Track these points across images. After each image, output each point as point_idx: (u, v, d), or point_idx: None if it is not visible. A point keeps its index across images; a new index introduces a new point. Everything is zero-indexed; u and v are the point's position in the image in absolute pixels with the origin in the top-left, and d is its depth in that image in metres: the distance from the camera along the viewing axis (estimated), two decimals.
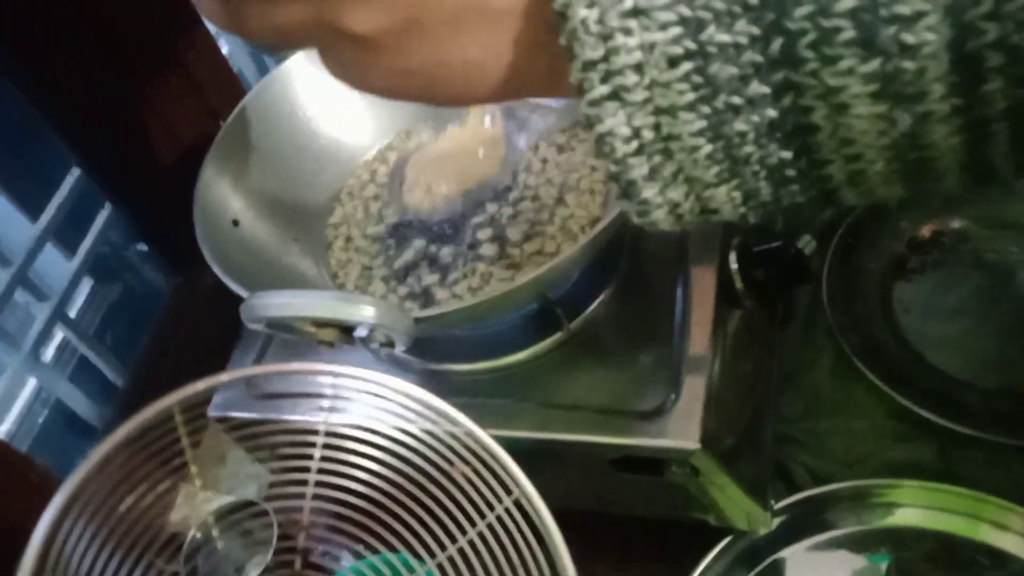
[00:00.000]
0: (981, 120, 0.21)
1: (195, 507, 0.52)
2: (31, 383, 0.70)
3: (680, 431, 0.45)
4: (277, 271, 0.53)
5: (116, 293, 0.78)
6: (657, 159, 0.23)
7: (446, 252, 0.52)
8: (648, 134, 0.23)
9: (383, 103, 0.59)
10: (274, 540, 0.55)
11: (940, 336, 0.58)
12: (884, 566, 0.51)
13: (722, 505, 0.49)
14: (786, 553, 0.53)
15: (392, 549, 0.43)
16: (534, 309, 0.51)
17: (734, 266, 0.52)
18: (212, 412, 0.55)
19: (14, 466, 0.58)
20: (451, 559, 0.41)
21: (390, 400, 0.43)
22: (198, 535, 0.53)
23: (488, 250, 0.50)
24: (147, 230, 0.76)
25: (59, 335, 0.73)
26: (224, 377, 0.48)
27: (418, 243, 0.53)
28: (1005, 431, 0.52)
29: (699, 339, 0.49)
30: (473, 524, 0.41)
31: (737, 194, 0.24)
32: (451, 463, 0.41)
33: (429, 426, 0.42)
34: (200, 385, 0.44)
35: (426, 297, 0.51)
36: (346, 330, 0.43)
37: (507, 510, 0.40)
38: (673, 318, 0.50)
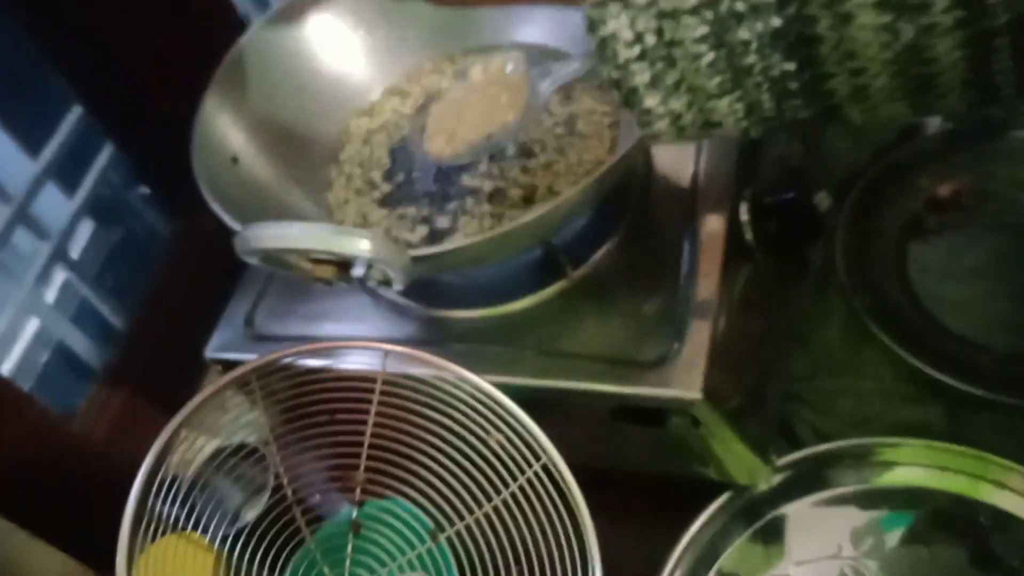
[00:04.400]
0: (984, 33, 0.20)
1: (194, 449, 0.52)
2: (33, 323, 0.69)
3: (682, 381, 0.45)
4: (275, 210, 0.52)
5: (117, 236, 0.77)
6: (659, 66, 0.23)
7: (448, 196, 0.51)
8: (650, 39, 0.22)
9: (386, 44, 0.57)
10: (270, 484, 0.55)
11: (955, 298, 0.57)
12: (901, 529, 0.50)
13: (722, 458, 0.49)
14: (787, 510, 0.52)
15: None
16: (537, 256, 0.50)
17: (745, 217, 0.51)
18: (210, 354, 0.55)
19: (16, 404, 0.58)
20: (478, 521, 0.43)
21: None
22: (195, 476, 0.53)
23: (490, 193, 0.49)
24: (148, 172, 0.76)
25: (61, 276, 0.72)
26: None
27: (420, 186, 0.52)
28: (1017, 394, 0.50)
29: (705, 290, 0.48)
30: (506, 486, 0.43)
31: (739, 106, 0.24)
32: (487, 432, 0.43)
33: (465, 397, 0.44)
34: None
35: (427, 239, 0.50)
36: (343, 267, 0.42)
37: (536, 474, 0.43)
38: (679, 269, 0.49)
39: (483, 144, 0.46)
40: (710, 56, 0.22)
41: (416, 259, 0.40)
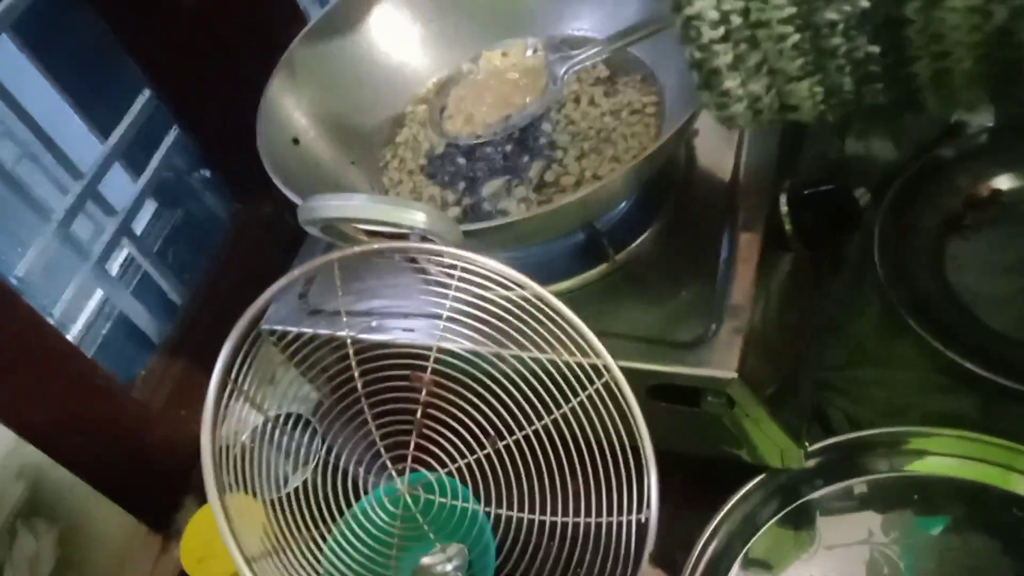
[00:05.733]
0: None
1: (246, 417, 0.54)
2: (97, 294, 0.73)
3: (718, 361, 0.46)
4: (332, 188, 0.54)
5: (179, 216, 0.81)
6: (743, 47, 0.23)
7: (497, 179, 0.53)
8: (736, 19, 0.23)
9: (441, 35, 0.60)
10: (320, 454, 0.58)
11: (992, 293, 0.57)
12: (940, 527, 0.51)
13: (756, 440, 0.50)
14: (819, 495, 0.53)
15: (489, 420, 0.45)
16: (581, 239, 0.52)
17: (784, 208, 0.52)
18: (266, 326, 0.57)
19: (82, 369, 0.61)
20: (546, 427, 0.44)
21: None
22: (247, 443, 0.55)
23: (537, 176, 0.51)
24: (211, 156, 0.79)
25: (124, 252, 0.76)
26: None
27: (470, 170, 0.54)
28: None
29: (743, 276, 0.49)
30: (567, 401, 0.44)
31: (819, 89, 0.24)
32: (552, 345, 0.44)
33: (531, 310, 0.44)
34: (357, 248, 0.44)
35: (476, 218, 0.52)
36: (397, 240, 0.44)
37: (597, 391, 0.44)
38: (718, 256, 0.50)
39: (501, 125, 0.47)
40: (795, 37, 0.22)
41: (467, 233, 0.42)
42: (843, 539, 0.52)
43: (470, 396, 0.44)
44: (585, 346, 0.43)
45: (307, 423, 0.58)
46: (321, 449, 0.58)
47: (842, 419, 0.56)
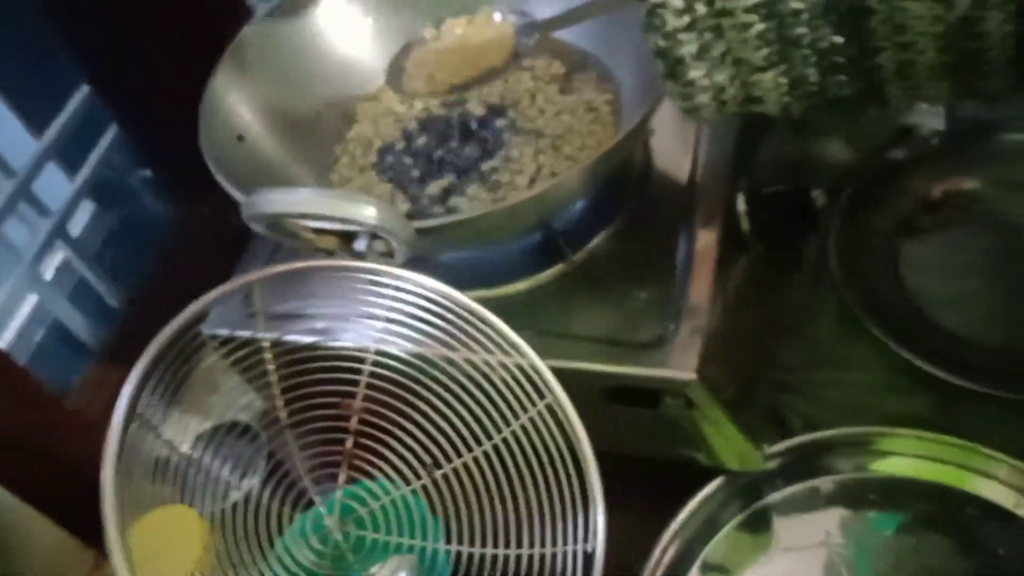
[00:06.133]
0: None
1: (187, 425, 0.52)
2: (31, 299, 0.70)
3: (677, 362, 0.45)
4: (280, 186, 0.52)
5: (117, 218, 0.78)
6: (707, 36, 0.23)
7: (450, 176, 0.51)
8: (701, 8, 0.22)
9: (395, 31, 0.58)
10: (263, 464, 0.55)
11: (946, 294, 0.58)
12: (894, 526, 0.50)
13: (714, 443, 0.49)
14: (776, 497, 0.52)
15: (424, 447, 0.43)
16: (537, 239, 0.51)
17: (742, 208, 0.52)
18: (207, 330, 0.55)
19: (12, 377, 0.58)
20: (486, 453, 0.42)
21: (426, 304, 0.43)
22: (187, 452, 0.53)
23: (491, 174, 0.50)
24: (152, 155, 0.76)
25: (59, 255, 0.72)
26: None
27: (421, 167, 0.53)
28: (1006, 387, 0.51)
29: (702, 276, 0.49)
30: (508, 425, 0.42)
31: (784, 80, 0.24)
32: (491, 367, 0.42)
33: (464, 327, 0.42)
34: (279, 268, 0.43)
35: (429, 216, 0.50)
36: (346, 238, 0.42)
37: (539, 413, 0.42)
38: (676, 256, 0.50)
39: (468, 85, 0.46)
40: (760, 27, 0.22)
41: (420, 231, 0.41)
42: (801, 541, 0.51)
43: (404, 423, 0.42)
44: (526, 366, 0.42)
45: (250, 431, 0.56)
46: (264, 460, 0.56)
47: (799, 422, 0.55)
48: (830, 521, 0.51)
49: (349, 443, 0.46)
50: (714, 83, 0.24)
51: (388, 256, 0.42)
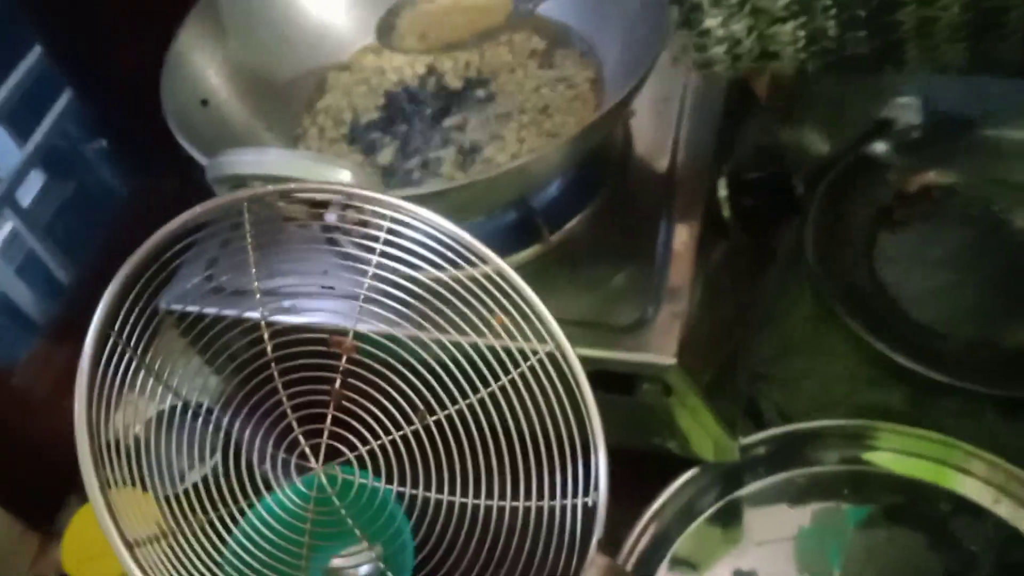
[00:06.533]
0: None
1: (142, 405, 0.50)
2: None
3: (657, 345, 0.44)
4: None
5: (70, 190, 0.74)
6: None
7: (427, 148, 0.50)
8: None
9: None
10: (219, 448, 0.53)
11: (921, 287, 0.57)
12: (867, 519, 0.50)
13: (688, 431, 0.48)
14: (750, 489, 0.52)
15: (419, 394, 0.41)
16: (514, 218, 0.50)
17: (723, 193, 0.51)
18: (165, 305, 0.53)
19: None
20: (482, 401, 0.40)
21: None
22: (141, 434, 0.50)
23: (469, 146, 0.48)
24: (109, 124, 0.73)
25: (8, 226, 0.69)
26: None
27: (394, 140, 0.51)
28: (979, 380, 0.51)
29: (682, 259, 0.48)
30: (507, 373, 0.40)
31: (802, 33, 0.23)
32: (492, 312, 0.39)
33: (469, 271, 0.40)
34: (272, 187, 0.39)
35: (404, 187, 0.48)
36: (316, 208, 0.40)
37: (540, 361, 0.40)
38: (656, 239, 0.49)
39: (463, 44, 0.44)
40: None
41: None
42: (773, 534, 0.51)
43: (397, 368, 0.40)
44: (526, 309, 0.40)
45: (208, 414, 0.54)
46: (221, 443, 0.53)
47: (774, 412, 0.55)
48: (803, 514, 0.51)
49: (336, 384, 0.42)
50: (730, 33, 0.23)
51: (362, 226, 0.40)
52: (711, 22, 0.23)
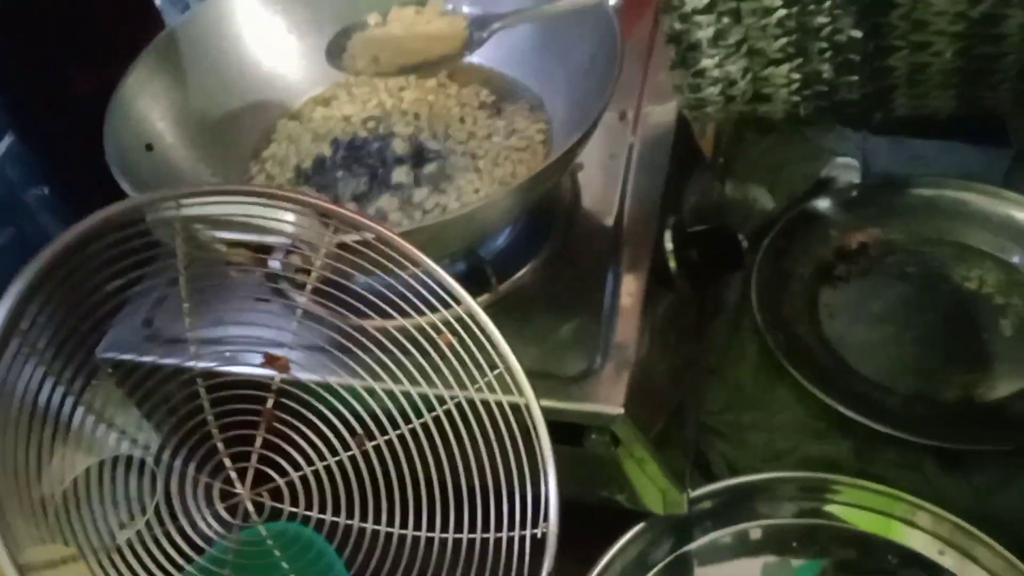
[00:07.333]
0: None
1: (73, 460, 0.48)
2: None
3: (604, 396, 0.44)
4: None
5: (8, 237, 0.72)
6: (726, 20, 0.22)
7: (375, 194, 0.49)
8: None
9: (317, 50, 0.56)
10: (153, 502, 0.51)
11: (862, 341, 0.59)
12: (817, 573, 0.49)
13: (637, 483, 0.48)
14: (699, 543, 0.51)
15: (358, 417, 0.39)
16: (463, 268, 0.49)
17: (669, 246, 0.51)
18: (101, 354, 0.51)
19: None
20: (425, 426, 0.39)
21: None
22: (75, 486, 0.48)
23: (418, 195, 0.48)
24: (50, 171, 0.71)
25: None
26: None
27: (342, 188, 0.50)
28: (919, 432, 0.52)
29: (629, 311, 0.48)
30: (452, 396, 0.39)
31: (797, 76, 0.23)
32: (439, 332, 0.39)
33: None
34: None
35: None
36: (260, 252, 0.40)
37: (488, 383, 0.39)
38: (604, 290, 0.49)
39: (417, 68, 0.44)
40: (781, 12, 0.22)
41: (340, 246, 0.38)
42: None
43: (336, 390, 0.39)
44: (478, 332, 0.39)
45: (142, 467, 0.51)
46: (156, 496, 0.51)
47: (722, 464, 0.54)
48: (752, 568, 0.50)
49: (266, 409, 0.40)
50: (725, 74, 0.23)
51: (305, 273, 0.40)
52: (707, 62, 0.23)
